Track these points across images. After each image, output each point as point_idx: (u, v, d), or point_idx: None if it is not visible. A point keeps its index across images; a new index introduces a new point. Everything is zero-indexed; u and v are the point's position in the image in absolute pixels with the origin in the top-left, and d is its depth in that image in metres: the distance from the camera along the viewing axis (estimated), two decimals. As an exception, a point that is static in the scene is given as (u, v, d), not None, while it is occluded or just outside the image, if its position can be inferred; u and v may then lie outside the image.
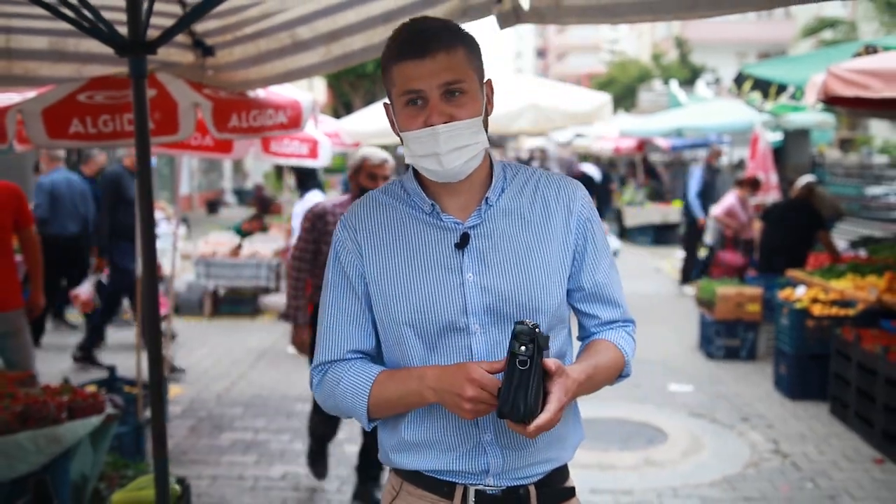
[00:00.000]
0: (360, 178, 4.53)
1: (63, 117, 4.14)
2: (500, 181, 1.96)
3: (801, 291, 7.48)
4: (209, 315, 10.29)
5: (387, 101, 1.94)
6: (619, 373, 2.00)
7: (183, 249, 10.48)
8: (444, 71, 1.78)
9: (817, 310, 7.01)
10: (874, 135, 29.81)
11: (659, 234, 18.00)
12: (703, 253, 12.78)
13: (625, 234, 18.52)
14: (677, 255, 14.34)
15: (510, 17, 3.61)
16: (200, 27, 4.45)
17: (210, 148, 5.64)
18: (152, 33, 3.09)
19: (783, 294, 7.57)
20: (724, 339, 8.29)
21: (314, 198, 8.46)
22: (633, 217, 18.37)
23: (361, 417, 1.91)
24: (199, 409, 6.68)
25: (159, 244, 10.43)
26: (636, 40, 52.21)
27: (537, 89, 11.22)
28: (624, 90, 38.58)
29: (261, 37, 4.43)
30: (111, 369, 6.08)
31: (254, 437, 6.02)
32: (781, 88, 8.18)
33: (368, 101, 22.86)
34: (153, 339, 2.91)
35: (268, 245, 10.86)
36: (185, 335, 9.14)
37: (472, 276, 1.87)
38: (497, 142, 27.11)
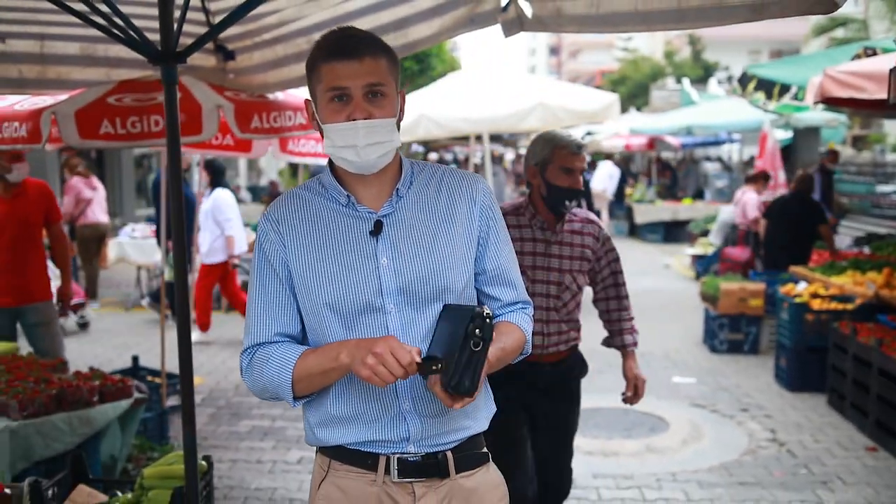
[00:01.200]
0: (550, 174, 3.52)
1: (94, 118, 4.37)
2: (409, 175, 2.14)
3: (801, 287, 7.68)
4: (226, 308, 10.56)
5: (308, 97, 2.11)
6: (521, 351, 2.20)
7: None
8: (369, 73, 1.98)
9: (816, 304, 7.21)
10: (888, 132, 29.75)
11: (669, 232, 18.16)
12: (709, 250, 12.97)
13: (635, 231, 18.70)
14: (687, 251, 14.52)
15: (514, 25, 3.82)
16: (222, 33, 4.70)
17: (230, 147, 5.90)
18: (183, 41, 3.33)
19: (784, 289, 7.77)
20: (728, 333, 8.49)
21: (222, 196, 8.76)
22: (643, 214, 18.54)
23: (287, 394, 2.03)
24: (218, 397, 6.95)
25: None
26: (649, 38, 52.16)
27: (546, 89, 11.43)
28: (636, 88, 38.63)
29: (279, 42, 4.66)
30: (135, 359, 6.37)
31: (271, 424, 6.28)
32: (785, 89, 8.37)
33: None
34: (183, 326, 3.16)
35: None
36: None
37: (385, 260, 2.04)
38: (509, 140, 27.28)
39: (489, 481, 2.18)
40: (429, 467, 2.07)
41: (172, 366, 6.73)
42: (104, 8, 3.17)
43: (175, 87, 3.09)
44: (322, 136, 2.06)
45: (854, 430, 6.13)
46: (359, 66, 1.97)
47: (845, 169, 18.46)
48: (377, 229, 2.05)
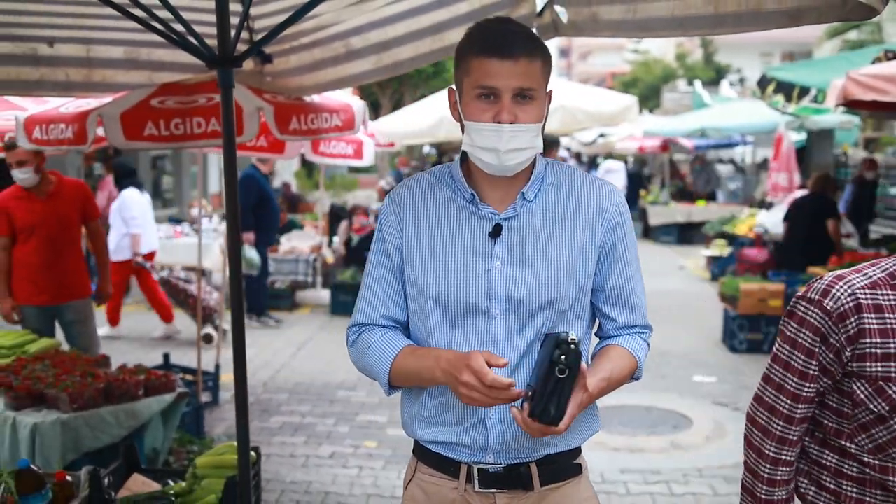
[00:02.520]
0: None
1: (139, 120, 4.51)
2: (539, 179, 2.05)
3: (821, 287, 7.76)
4: (249, 309, 10.69)
5: (452, 86, 2.04)
6: (630, 377, 2.10)
7: (223, 245, 10.87)
8: (522, 76, 1.89)
9: (836, 304, 7.29)
10: (900, 135, 29.71)
11: (683, 233, 18.24)
12: (725, 251, 13.05)
13: (649, 232, 18.79)
14: (702, 253, 14.60)
15: (549, 30, 3.92)
16: (255, 37, 4.82)
17: (265, 148, 6.04)
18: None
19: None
20: (747, 333, 8.58)
21: (130, 195, 8.96)
22: (657, 216, 18.62)
23: (383, 384, 2.06)
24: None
25: (203, 240, 10.88)
26: (661, 39, 52.18)
27: (564, 90, 11.53)
28: (648, 90, 38.69)
29: (316, 46, 4.77)
30: (166, 356, 6.50)
31: (301, 420, 6.40)
32: (804, 91, 8.45)
33: (396, 101, 23.24)
34: (238, 324, 3.28)
35: (305, 241, 11.25)
36: (227, 327, 9.53)
37: (500, 264, 1.99)
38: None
39: (579, 495, 2.11)
40: (511, 479, 2.02)
41: (191, 361, 6.90)
42: (163, 14, 3.30)
43: (231, 90, 3.21)
44: (462, 130, 2.00)
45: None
46: (512, 67, 1.88)
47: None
48: (496, 232, 1.99)
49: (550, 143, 10.79)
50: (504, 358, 1.88)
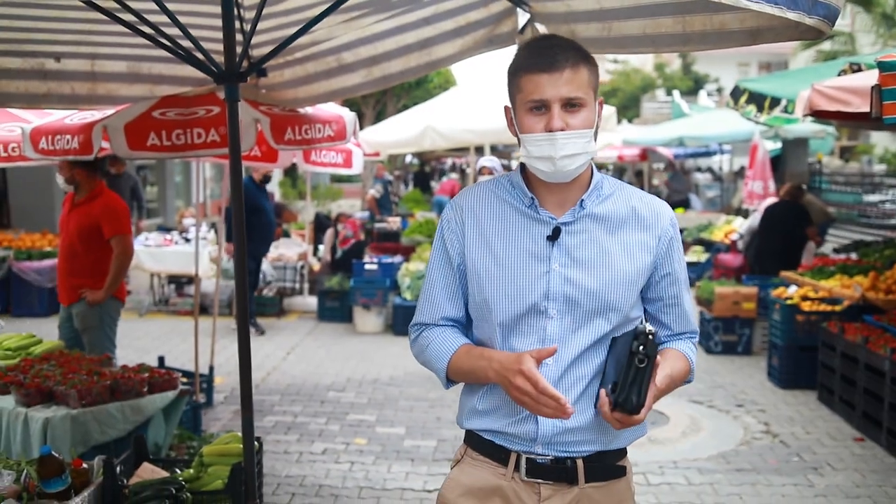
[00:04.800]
0: None
1: (142, 131, 4.73)
2: (598, 189, 2.16)
3: (792, 290, 8.08)
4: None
5: (508, 104, 2.19)
6: (686, 379, 2.24)
7: (213, 253, 11.09)
8: (567, 86, 2.02)
9: (806, 306, 7.62)
10: (875, 143, 30.27)
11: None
12: (702, 257, 13.37)
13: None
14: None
15: (531, 46, 4.20)
16: (256, 51, 5.06)
17: (259, 158, 6.28)
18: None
19: (776, 292, 8.17)
20: (723, 334, 8.89)
21: None
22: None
23: (442, 379, 2.22)
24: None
25: (191, 248, 11.09)
26: (640, 50, 52.52)
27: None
28: (628, 99, 39.14)
29: (309, 60, 5.02)
30: (160, 359, 6.69)
31: (293, 419, 6.63)
32: (775, 102, 8.76)
33: (378, 111, 23.50)
34: (242, 326, 3.52)
35: (292, 249, 11.47)
36: (217, 332, 9.73)
37: (558, 266, 2.09)
38: (503, 151, 27.67)
39: (619, 495, 2.18)
40: (558, 471, 2.10)
41: (183, 364, 7.11)
42: (170, 31, 3.55)
43: (237, 103, 3.45)
44: (519, 143, 2.12)
45: (842, 422, 6.52)
46: (558, 78, 2.00)
47: (833, 180, 18.92)
48: (555, 235, 2.09)
49: None
50: (553, 345, 2.03)
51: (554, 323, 2.09)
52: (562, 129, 2.02)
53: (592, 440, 2.12)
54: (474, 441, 2.21)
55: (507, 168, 24.89)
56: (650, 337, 1.91)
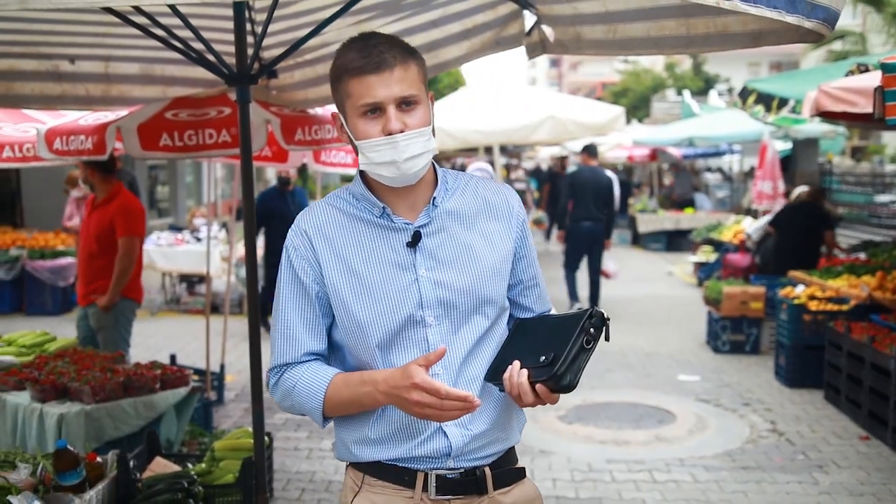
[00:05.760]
0: None
1: (154, 132, 4.81)
2: (444, 183, 2.08)
3: (800, 290, 8.11)
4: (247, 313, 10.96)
5: (335, 111, 2.05)
6: None
7: (224, 252, 11.18)
8: (400, 84, 1.91)
9: (814, 306, 7.64)
10: (887, 143, 30.17)
11: (671, 241, 18.60)
12: (711, 257, 13.40)
13: (638, 240, 19.14)
14: (689, 259, 14.95)
15: (537, 48, 4.25)
16: (266, 53, 5.14)
17: (269, 158, 6.35)
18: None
19: (783, 292, 8.20)
20: (730, 334, 8.92)
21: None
22: (646, 224, 18.98)
23: (317, 419, 2.01)
24: (250, 394, 7.36)
25: (201, 247, 11.18)
26: (650, 50, 52.41)
27: (553, 101, 11.90)
28: (638, 99, 39.12)
29: (319, 62, 5.08)
30: (172, 357, 6.78)
31: (303, 417, 6.66)
32: (783, 102, 8.80)
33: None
34: (253, 323, 3.60)
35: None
36: (229, 331, 9.82)
37: (424, 271, 1.99)
38: (513, 152, 27.75)
39: (526, 497, 2.14)
40: (467, 484, 2.02)
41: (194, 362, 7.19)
42: (182, 34, 3.62)
43: (248, 105, 3.53)
44: (356, 151, 2.00)
45: (848, 420, 6.55)
46: (389, 78, 1.90)
47: (844, 180, 18.92)
48: (415, 240, 2.00)
49: (592, 150, 10.89)
50: (441, 347, 1.90)
51: (433, 330, 1.99)
52: (401, 131, 1.92)
53: (495, 440, 2.07)
54: (372, 468, 2.05)
55: (514, 167, 24.74)
56: (607, 321, 1.86)
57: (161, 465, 3.97)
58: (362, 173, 2.06)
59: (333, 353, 2.10)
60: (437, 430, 1.98)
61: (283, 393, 2.04)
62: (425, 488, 2.00)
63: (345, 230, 2.02)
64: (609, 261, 11.35)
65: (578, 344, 1.84)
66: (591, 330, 1.85)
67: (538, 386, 1.86)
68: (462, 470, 2.01)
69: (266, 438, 4.04)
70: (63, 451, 3.46)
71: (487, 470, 2.04)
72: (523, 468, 2.16)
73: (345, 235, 2.02)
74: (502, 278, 2.08)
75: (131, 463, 3.76)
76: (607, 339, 1.91)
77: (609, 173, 10.87)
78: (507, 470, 2.10)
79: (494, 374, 1.97)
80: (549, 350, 1.87)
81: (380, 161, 1.94)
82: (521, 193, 22.24)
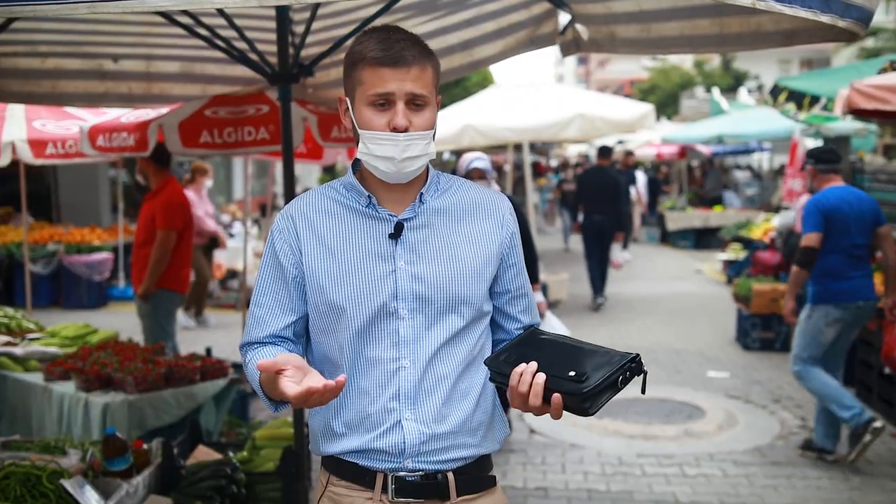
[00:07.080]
0: None
1: (195, 129, 4.93)
2: (434, 182, 2.08)
3: (830, 287, 8.09)
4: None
5: (342, 94, 2.05)
6: None
7: (256, 248, 11.33)
8: (414, 83, 1.92)
9: (845, 303, 7.62)
10: (920, 141, 29.77)
11: (700, 238, 18.55)
12: (741, 255, 13.37)
13: (666, 237, 19.11)
14: (718, 256, 14.93)
15: (571, 47, 4.31)
16: (304, 52, 5.24)
17: (304, 155, 6.46)
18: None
19: (814, 289, 8.18)
20: (760, 331, 8.92)
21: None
22: (674, 221, 18.94)
23: (265, 402, 1.99)
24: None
25: (234, 243, 11.35)
26: (679, 47, 52.00)
27: (581, 99, 11.93)
28: (666, 97, 38.93)
29: (355, 60, 5.18)
30: (208, 350, 6.91)
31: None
32: (814, 100, 8.78)
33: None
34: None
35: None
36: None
37: (403, 264, 1.99)
38: (541, 149, 27.77)
39: None
40: (428, 488, 1.99)
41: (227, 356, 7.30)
42: (226, 33, 3.73)
43: (290, 103, 3.62)
44: (356, 139, 2.00)
45: (880, 418, 6.54)
46: (405, 75, 1.91)
47: (876, 178, 18.77)
48: (397, 232, 2.00)
49: (604, 151, 11.70)
50: (295, 356, 1.83)
51: (405, 323, 1.99)
52: (406, 129, 1.92)
53: (462, 445, 2.02)
54: (337, 466, 2.05)
55: (537, 165, 24.66)
56: (644, 370, 1.89)
57: (204, 453, 4.08)
58: (355, 164, 2.09)
59: (307, 346, 2.11)
60: (396, 424, 1.98)
61: (246, 372, 2.07)
62: (385, 490, 1.99)
63: (330, 216, 2.04)
64: (618, 252, 12.32)
65: (613, 378, 1.84)
66: (628, 373, 1.86)
67: (554, 395, 1.84)
68: (421, 472, 1.99)
69: (305, 428, 4.13)
70: (112, 438, 3.58)
71: (450, 475, 2.01)
72: (494, 477, 2.12)
73: (329, 221, 2.03)
74: (482, 281, 2.06)
75: (175, 450, 3.87)
76: (643, 391, 1.94)
77: (638, 173, 11.07)
78: (475, 476, 2.06)
79: (495, 361, 1.97)
80: (581, 370, 1.86)
81: (379, 154, 1.94)
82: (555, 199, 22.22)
